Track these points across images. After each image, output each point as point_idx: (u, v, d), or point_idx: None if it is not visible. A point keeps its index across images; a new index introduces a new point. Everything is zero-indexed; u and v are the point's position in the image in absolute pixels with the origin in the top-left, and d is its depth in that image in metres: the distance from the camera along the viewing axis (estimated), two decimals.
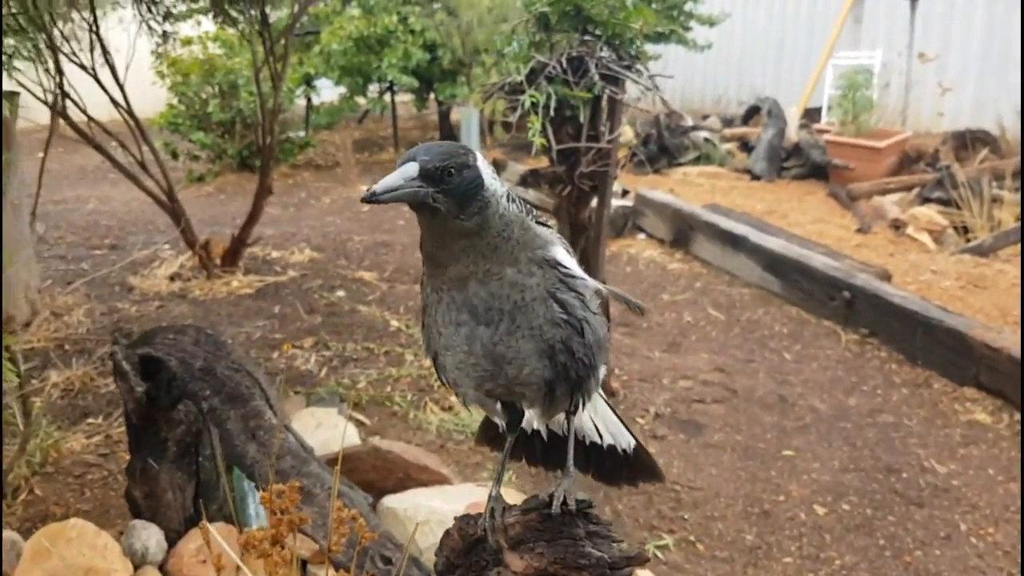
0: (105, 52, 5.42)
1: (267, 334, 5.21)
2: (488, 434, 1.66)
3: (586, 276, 1.37)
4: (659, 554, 3.37)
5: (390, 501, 2.84)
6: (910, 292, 5.55)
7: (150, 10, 5.01)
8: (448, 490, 2.93)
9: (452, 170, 1.21)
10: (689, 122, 10.30)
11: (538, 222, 1.36)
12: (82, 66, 5.33)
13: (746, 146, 10.16)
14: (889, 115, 9.67)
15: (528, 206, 1.36)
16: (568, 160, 3.78)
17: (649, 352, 5.30)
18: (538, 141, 3.23)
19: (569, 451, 1.47)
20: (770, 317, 5.77)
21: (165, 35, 5.20)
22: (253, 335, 5.20)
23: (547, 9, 3.51)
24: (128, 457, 2.93)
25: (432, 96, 10.81)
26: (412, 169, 1.19)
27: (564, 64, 3.48)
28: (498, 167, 8.91)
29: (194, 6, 5.57)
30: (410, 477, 2.95)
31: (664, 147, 9.70)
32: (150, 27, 5.08)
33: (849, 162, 8.68)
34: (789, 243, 6.39)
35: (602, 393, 1.56)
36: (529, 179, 6.55)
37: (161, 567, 2.56)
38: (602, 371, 1.43)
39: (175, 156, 9.38)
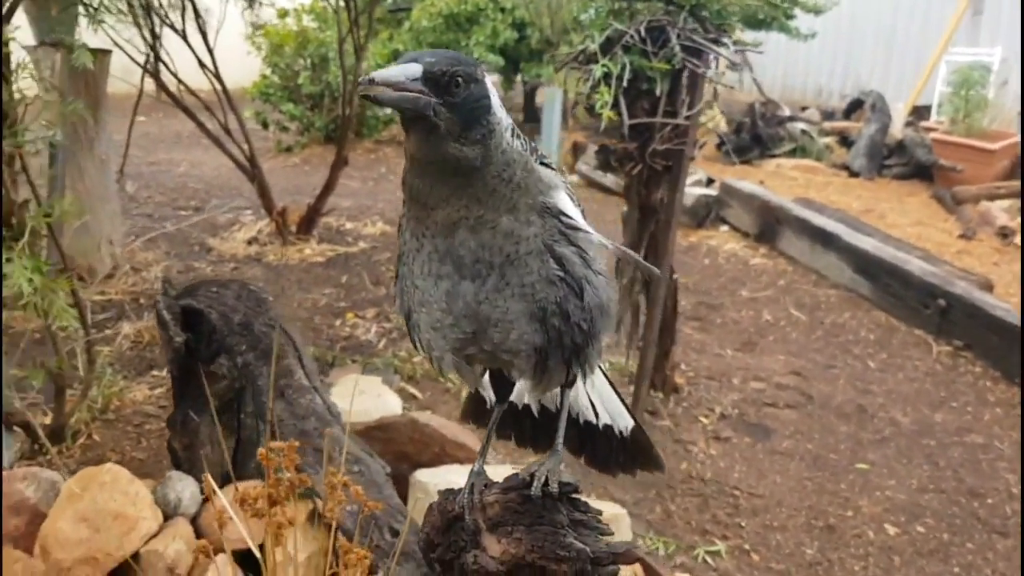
0: (197, 17, 5.51)
1: (332, 302, 5.22)
2: (474, 408, 1.49)
3: (591, 229, 1.19)
4: (709, 560, 3.18)
5: (422, 475, 2.74)
6: (1012, 305, 5.12)
7: None
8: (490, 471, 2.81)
9: (460, 79, 1.03)
10: (786, 112, 9.86)
11: (542, 163, 1.19)
12: (173, 28, 5.43)
13: (846, 141, 9.68)
14: (1005, 116, 8.99)
15: (532, 145, 1.19)
16: (641, 137, 3.58)
17: (721, 349, 5.06)
18: (606, 114, 3.06)
19: (560, 426, 1.31)
20: (856, 322, 5.43)
21: (251, 2, 5.23)
22: (319, 302, 5.22)
23: None
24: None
25: (518, 76, 10.69)
26: (415, 69, 1.01)
27: (643, 33, 3.29)
28: (578, 150, 8.72)
29: None
30: (446, 452, 2.86)
31: (757, 137, 9.32)
32: None
33: (957, 163, 8.12)
34: (884, 244, 6.01)
35: (603, 367, 1.38)
36: (598, 155, 6.34)
37: (193, 520, 2.54)
38: (606, 339, 1.25)
39: (265, 125, 9.56)
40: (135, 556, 2.29)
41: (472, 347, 1.18)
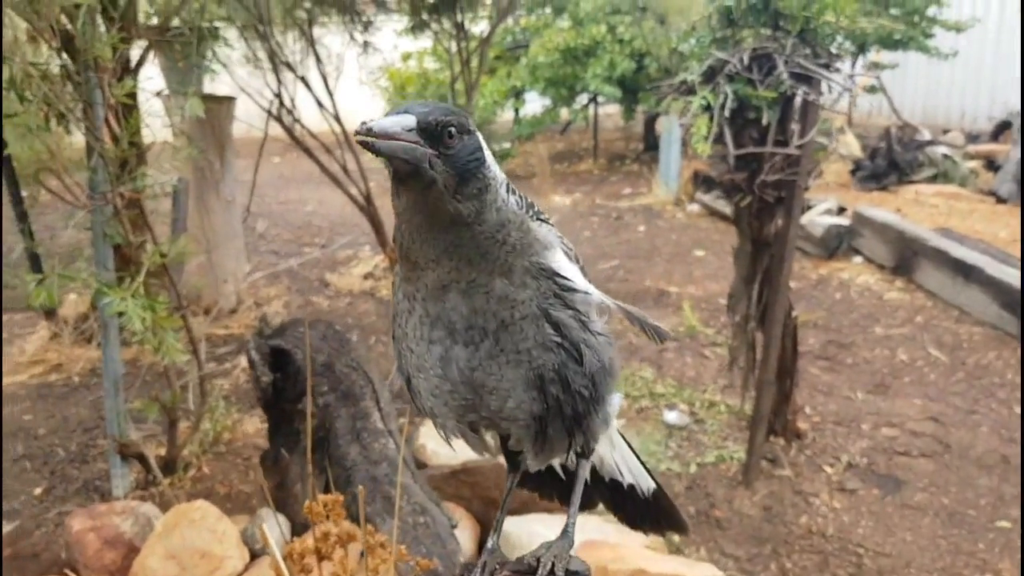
0: (319, 63, 5.75)
1: None
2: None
3: (590, 288, 1.10)
4: None
5: (507, 523, 2.64)
6: None
7: (353, 21, 5.23)
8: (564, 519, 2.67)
9: (453, 130, 0.97)
10: (926, 136, 9.24)
11: (539, 218, 1.11)
12: (295, 73, 5.69)
13: (992, 165, 8.96)
14: None
15: (527, 201, 1.11)
16: (749, 167, 3.40)
17: (851, 392, 4.71)
18: (701, 148, 2.91)
19: (573, 505, 1.19)
20: (1003, 362, 4.92)
21: (366, 45, 5.41)
22: None
23: (731, 3, 3.18)
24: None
25: (638, 106, 10.57)
26: (408, 120, 0.95)
27: (747, 61, 3.12)
28: (698, 179, 8.47)
29: (394, 18, 5.77)
30: (533, 501, 2.73)
31: (894, 162, 8.76)
32: (352, 37, 5.30)
33: None
34: None
35: (617, 428, 1.28)
36: (704, 186, 6.07)
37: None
38: (615, 403, 1.15)
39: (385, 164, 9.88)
40: None
41: (472, 414, 1.12)
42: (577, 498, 1.22)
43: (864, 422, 4.34)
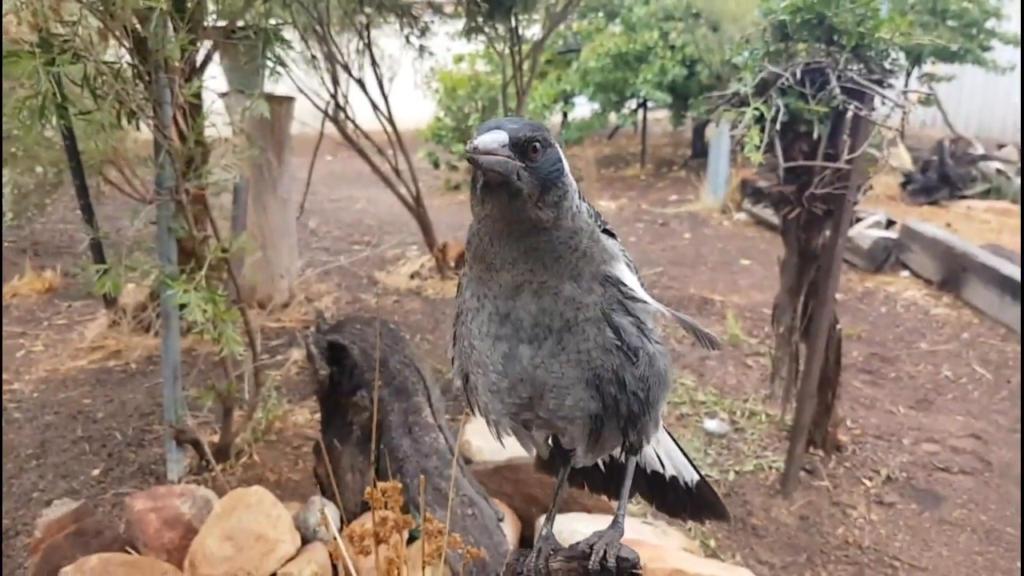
0: (374, 65, 5.89)
1: None
2: (546, 459, 1.49)
3: (649, 298, 1.18)
4: None
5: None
6: None
7: (410, 26, 5.35)
8: (606, 520, 2.73)
9: (538, 144, 1.06)
10: (980, 150, 9.06)
11: (604, 230, 1.19)
12: (351, 75, 5.83)
13: None
14: None
15: (594, 211, 1.19)
16: (799, 180, 3.43)
17: (893, 406, 4.69)
18: (755, 158, 2.95)
19: (623, 497, 1.27)
20: None
21: (422, 49, 5.52)
22: None
23: (786, 17, 3.21)
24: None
25: (688, 113, 10.56)
26: (502, 136, 1.04)
27: (799, 75, 3.15)
28: (747, 187, 8.44)
29: (448, 22, 5.87)
30: (576, 500, 2.81)
31: (946, 176, 8.62)
32: (408, 40, 5.42)
33: None
34: None
35: (665, 427, 1.36)
36: (752, 196, 6.06)
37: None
38: (663, 407, 1.23)
39: (436, 165, 10.01)
40: None
41: (528, 412, 1.19)
42: (627, 491, 1.31)
43: (905, 437, 4.32)
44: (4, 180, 6.07)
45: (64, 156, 4.87)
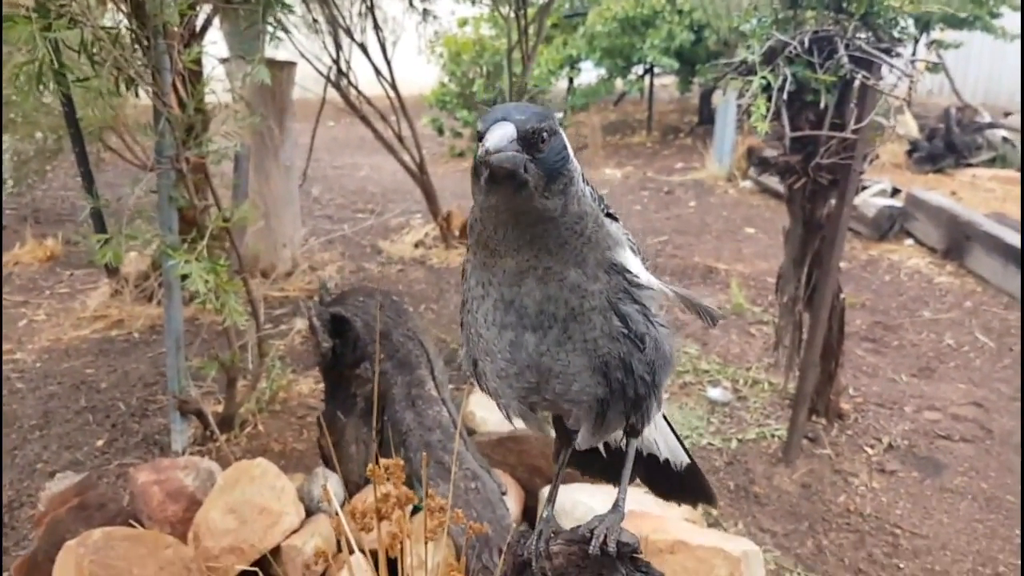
0: (377, 29, 5.80)
1: None
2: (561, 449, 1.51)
3: (653, 282, 1.17)
4: None
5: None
6: None
7: None
8: (609, 490, 2.74)
9: (545, 134, 1.03)
10: (986, 118, 8.96)
11: (607, 214, 1.17)
12: (353, 39, 5.75)
13: None
14: None
15: (598, 195, 1.17)
16: (805, 149, 3.39)
17: (895, 374, 4.69)
18: (761, 127, 2.91)
19: (623, 480, 1.27)
20: None
21: (425, 13, 5.44)
22: None
23: None
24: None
25: (695, 79, 10.44)
26: (511, 130, 1.01)
27: (807, 43, 3.10)
28: (753, 155, 8.37)
29: None
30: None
31: (952, 144, 8.54)
32: (411, 3, 5.33)
33: None
34: None
35: (664, 410, 1.36)
36: (758, 166, 6.01)
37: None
38: (665, 388, 1.23)
39: (440, 132, 9.92)
40: (276, 549, 2.43)
41: (535, 396, 1.19)
42: (627, 474, 1.31)
43: (907, 405, 4.33)
44: (4, 147, 6.04)
45: (64, 122, 4.84)
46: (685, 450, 1.49)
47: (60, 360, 4.69)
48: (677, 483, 1.51)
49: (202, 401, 3.54)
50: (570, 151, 1.09)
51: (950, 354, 4.91)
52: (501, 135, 1.01)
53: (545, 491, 2.75)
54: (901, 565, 3.16)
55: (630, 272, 1.14)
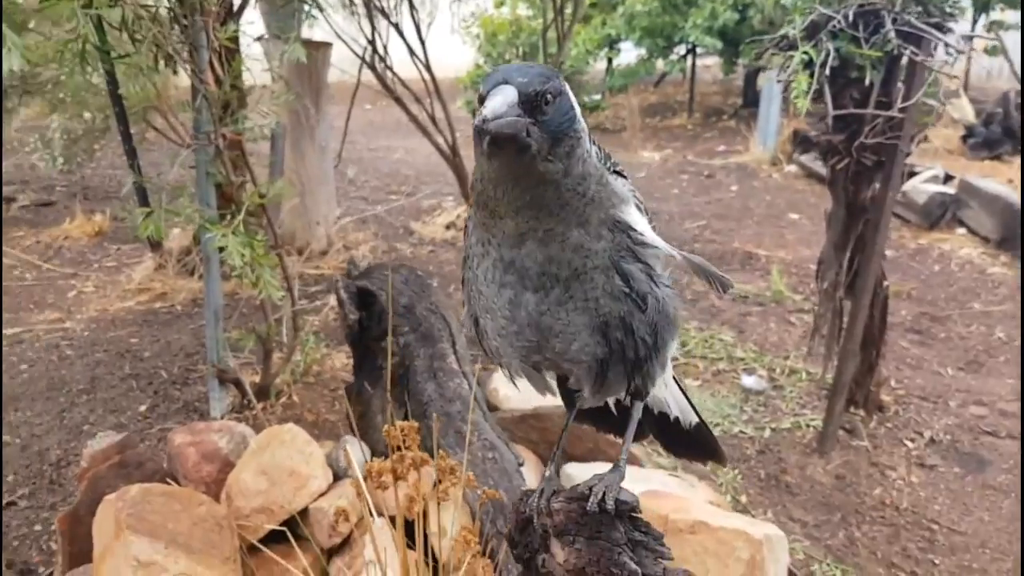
0: (413, 10, 5.78)
1: None
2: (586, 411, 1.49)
3: (659, 241, 1.12)
4: None
5: (571, 468, 2.73)
6: None
7: None
8: (632, 471, 2.73)
9: (549, 96, 0.99)
10: None
11: (615, 171, 1.13)
12: (389, 20, 5.74)
13: None
14: None
15: (605, 152, 1.13)
16: (848, 128, 3.29)
17: (940, 367, 4.57)
18: (801, 104, 2.83)
19: (626, 441, 1.25)
20: None
21: None
22: None
23: None
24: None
25: (739, 60, 10.25)
26: (512, 94, 0.97)
27: (852, 17, 3.00)
28: (796, 137, 8.19)
29: None
30: (599, 449, 2.80)
31: (1009, 130, 8.25)
32: None
33: None
34: None
35: (672, 372, 1.35)
36: (799, 146, 5.87)
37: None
38: (672, 349, 1.19)
39: (474, 114, 9.89)
40: (304, 511, 2.48)
41: (536, 355, 1.16)
42: (630, 435, 1.29)
43: (952, 399, 4.21)
44: (54, 126, 6.20)
45: (110, 102, 4.93)
46: (695, 411, 1.48)
47: (107, 329, 4.82)
48: (686, 440, 1.50)
49: (240, 371, 3.61)
50: (577, 110, 1.05)
51: (1000, 348, 4.75)
52: (501, 100, 0.97)
53: (568, 467, 2.73)
54: (936, 561, 3.07)
55: (635, 230, 1.10)
